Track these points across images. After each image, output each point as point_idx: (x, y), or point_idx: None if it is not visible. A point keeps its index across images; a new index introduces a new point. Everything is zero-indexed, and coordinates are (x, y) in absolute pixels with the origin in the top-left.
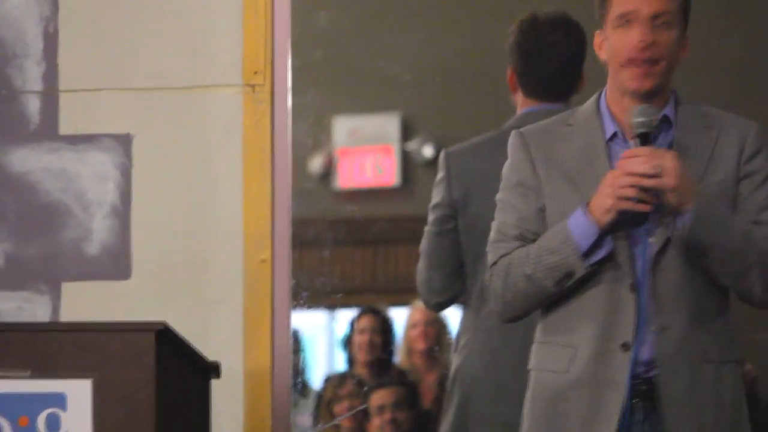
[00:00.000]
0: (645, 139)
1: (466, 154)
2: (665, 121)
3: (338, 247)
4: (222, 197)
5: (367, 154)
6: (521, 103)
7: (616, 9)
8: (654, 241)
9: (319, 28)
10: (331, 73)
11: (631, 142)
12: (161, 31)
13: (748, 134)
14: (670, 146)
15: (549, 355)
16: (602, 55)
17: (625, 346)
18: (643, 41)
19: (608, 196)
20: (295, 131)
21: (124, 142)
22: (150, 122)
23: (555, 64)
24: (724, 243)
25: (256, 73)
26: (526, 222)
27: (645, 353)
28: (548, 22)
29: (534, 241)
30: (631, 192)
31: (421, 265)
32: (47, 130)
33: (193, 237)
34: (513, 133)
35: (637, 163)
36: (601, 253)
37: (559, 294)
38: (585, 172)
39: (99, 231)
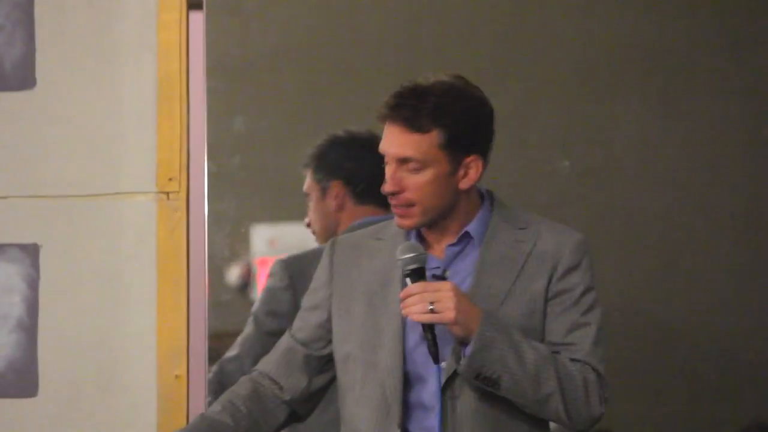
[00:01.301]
0: (417, 275)
1: (303, 262)
2: (467, 238)
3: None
4: (134, 310)
5: None
6: (354, 214)
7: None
8: (444, 368)
9: (236, 132)
10: (248, 179)
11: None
12: (71, 136)
13: (565, 249)
14: (474, 264)
15: None
16: None
17: None
18: (387, 187)
19: None
20: (212, 240)
21: (32, 252)
22: (59, 231)
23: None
24: (513, 373)
25: (170, 179)
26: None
27: None
28: (371, 138)
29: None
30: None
31: None
32: None
33: (103, 352)
34: (329, 241)
35: (411, 302)
36: None
37: None
38: (379, 294)
39: (4, 346)
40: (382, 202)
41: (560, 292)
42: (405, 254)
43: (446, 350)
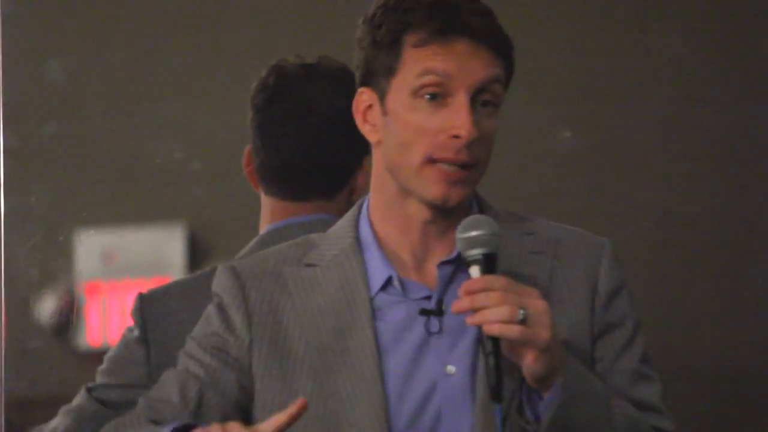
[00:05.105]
0: (491, 263)
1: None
2: None
3: None
4: None
5: (131, 291)
6: (267, 212)
7: (417, 64)
8: None
9: (49, 84)
10: (69, 158)
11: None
12: None
13: (600, 265)
14: None
15: None
16: (370, 132)
17: None
18: (467, 133)
19: None
20: (11, 255)
21: None
22: None
23: (303, 132)
24: None
25: None
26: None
27: None
28: (298, 71)
29: None
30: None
31: None
32: None
33: None
34: (221, 269)
35: (490, 302)
36: None
37: None
38: (334, 347)
39: None
40: (291, 194)
41: (610, 327)
42: (472, 230)
43: (461, 421)
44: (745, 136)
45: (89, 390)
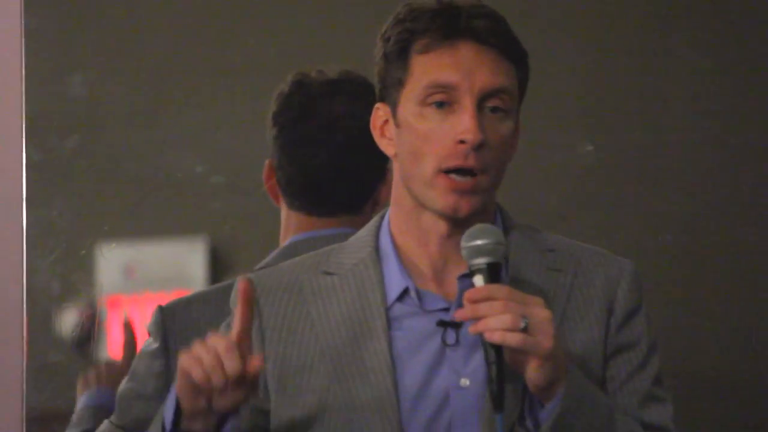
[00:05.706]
0: (495, 272)
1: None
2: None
3: None
4: None
5: (152, 305)
6: (291, 225)
7: (423, 76)
8: None
9: (72, 98)
10: (92, 172)
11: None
12: None
13: (618, 285)
14: None
15: None
16: (387, 146)
17: None
18: (472, 137)
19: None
20: (33, 267)
21: None
22: None
23: (330, 149)
24: None
25: None
26: None
27: None
28: (322, 88)
29: None
30: None
31: None
32: None
33: None
34: (239, 280)
35: (492, 311)
36: None
37: None
38: (348, 356)
39: None
40: (318, 210)
41: (623, 348)
42: (476, 240)
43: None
44: None
45: (111, 422)
